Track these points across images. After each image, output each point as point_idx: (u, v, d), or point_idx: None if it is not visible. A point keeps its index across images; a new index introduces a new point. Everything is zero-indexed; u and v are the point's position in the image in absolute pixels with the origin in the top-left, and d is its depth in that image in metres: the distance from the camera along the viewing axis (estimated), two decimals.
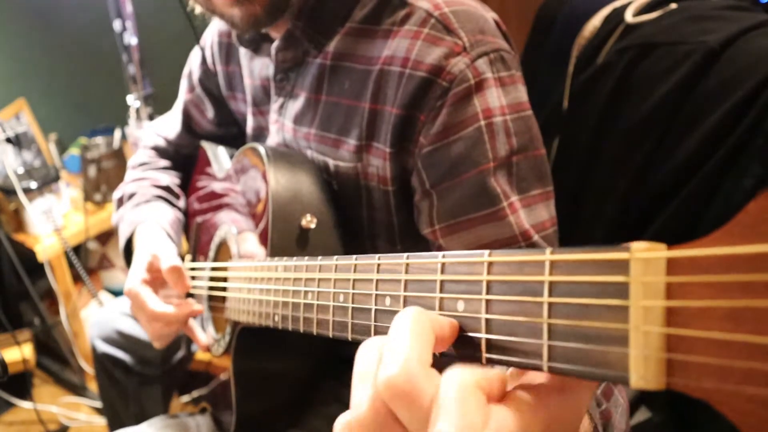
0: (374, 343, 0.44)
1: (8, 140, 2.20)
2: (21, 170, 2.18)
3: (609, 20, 1.46)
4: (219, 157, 1.32)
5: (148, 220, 1.26)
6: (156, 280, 1.14)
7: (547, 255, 0.38)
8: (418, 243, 1.02)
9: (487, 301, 0.42)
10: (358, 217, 1.05)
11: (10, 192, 2.14)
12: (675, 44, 1.26)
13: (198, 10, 1.10)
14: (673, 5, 1.36)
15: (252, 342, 1.03)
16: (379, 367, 0.40)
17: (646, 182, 1.28)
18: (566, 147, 1.48)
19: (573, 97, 1.48)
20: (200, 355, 1.71)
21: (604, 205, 1.38)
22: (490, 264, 0.42)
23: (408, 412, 0.39)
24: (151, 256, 1.14)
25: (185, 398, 2.08)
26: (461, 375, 0.39)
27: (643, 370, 0.32)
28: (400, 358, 0.39)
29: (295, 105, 1.09)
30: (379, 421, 0.40)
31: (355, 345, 1.24)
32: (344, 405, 1.16)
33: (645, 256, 0.32)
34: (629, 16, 1.40)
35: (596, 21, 1.49)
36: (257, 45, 1.16)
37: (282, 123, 1.13)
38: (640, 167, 1.29)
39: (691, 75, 1.21)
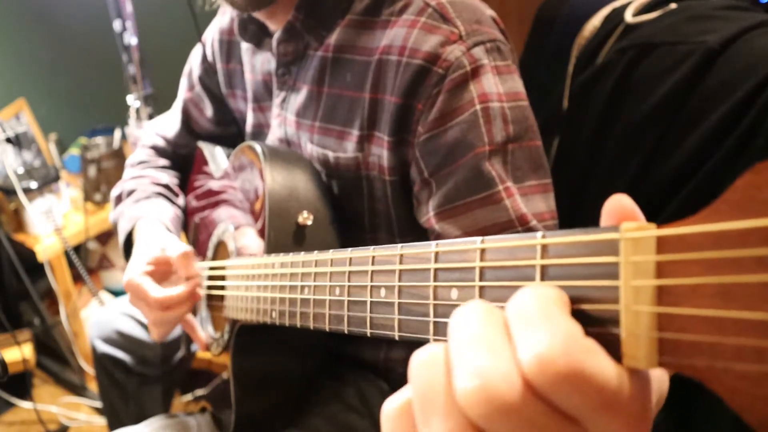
0: (435, 353, 0.36)
1: (8, 140, 2.21)
2: (21, 170, 2.18)
3: (609, 20, 1.46)
4: (216, 157, 1.32)
5: (149, 216, 1.26)
6: (157, 272, 1.14)
7: (539, 239, 0.38)
8: (419, 237, 1.02)
9: (481, 287, 0.42)
10: (359, 209, 1.05)
11: (10, 192, 2.14)
12: (675, 44, 1.26)
13: None
14: (673, 5, 1.36)
15: (251, 340, 1.03)
16: (453, 383, 0.33)
17: (646, 182, 1.28)
18: (566, 147, 1.48)
19: (573, 97, 1.47)
20: (202, 353, 1.71)
21: (604, 205, 1.38)
22: (483, 251, 0.42)
23: (510, 424, 0.32)
24: (159, 250, 1.14)
25: (187, 397, 2.08)
26: (533, 290, 0.34)
27: (634, 350, 0.31)
28: (486, 364, 0.32)
29: (298, 98, 1.10)
30: None
31: (355, 344, 1.23)
32: (344, 404, 1.16)
33: (634, 236, 0.32)
34: (629, 16, 1.40)
35: (596, 21, 1.49)
36: (259, 40, 1.16)
37: (284, 117, 1.13)
38: (640, 167, 1.29)
39: (691, 75, 1.20)
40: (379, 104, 0.97)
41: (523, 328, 0.32)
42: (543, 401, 0.31)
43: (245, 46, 1.23)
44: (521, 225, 0.90)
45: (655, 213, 1.26)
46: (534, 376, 0.30)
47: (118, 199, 1.36)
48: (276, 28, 1.10)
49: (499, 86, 0.92)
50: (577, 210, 1.43)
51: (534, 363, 0.30)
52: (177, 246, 1.13)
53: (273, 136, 1.17)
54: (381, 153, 0.98)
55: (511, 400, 0.31)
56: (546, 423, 0.31)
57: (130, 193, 1.34)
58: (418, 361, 0.36)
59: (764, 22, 1.21)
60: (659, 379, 0.38)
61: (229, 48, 1.28)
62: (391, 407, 0.37)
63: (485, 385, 0.31)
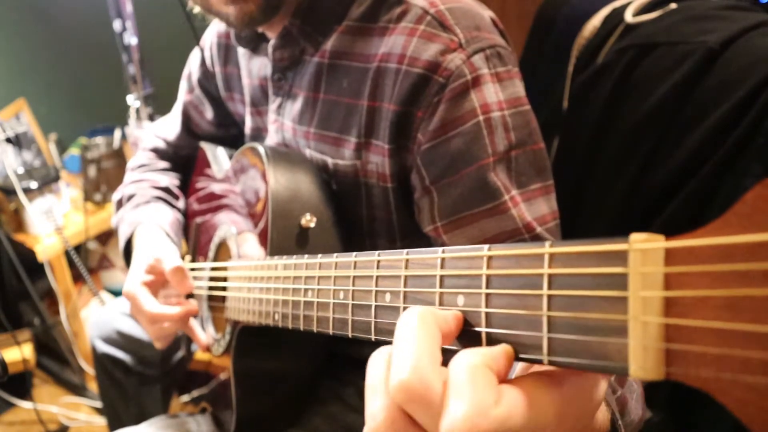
0: (382, 353, 0.44)
1: (8, 140, 2.20)
2: (21, 170, 2.18)
3: (609, 20, 1.46)
4: (218, 158, 1.32)
5: (148, 221, 1.26)
6: (156, 281, 1.14)
7: (547, 248, 0.38)
8: (419, 241, 1.02)
9: (487, 295, 0.42)
10: (358, 216, 1.05)
11: (10, 192, 2.14)
12: (675, 44, 1.26)
13: (196, 9, 1.10)
14: (673, 5, 1.36)
15: (252, 341, 1.03)
16: (389, 373, 0.41)
17: (646, 182, 1.28)
18: (566, 147, 1.48)
19: (573, 97, 1.48)
20: (200, 355, 1.71)
21: (603, 205, 1.38)
22: (490, 258, 0.42)
23: (425, 412, 0.39)
24: (153, 259, 1.14)
25: (185, 398, 2.08)
26: (468, 357, 0.39)
27: (642, 360, 0.32)
28: (410, 361, 0.40)
29: (294, 104, 1.09)
30: (396, 429, 0.41)
31: (355, 344, 1.24)
32: (344, 404, 1.16)
33: (643, 247, 0.32)
34: (629, 16, 1.40)
35: (596, 21, 1.49)
36: (255, 44, 1.16)
37: (281, 122, 1.13)
38: (640, 167, 1.29)
39: (691, 75, 1.21)
40: (376, 112, 0.97)
41: (451, 392, 0.38)
42: None
43: (242, 51, 1.22)
44: (528, 232, 0.91)
45: (656, 212, 1.26)
46: (400, 401, 0.39)
47: (119, 204, 1.36)
48: (272, 33, 1.10)
49: (500, 94, 0.92)
50: (577, 210, 1.43)
51: (395, 390, 0.39)
52: (171, 260, 1.14)
53: (271, 141, 1.17)
54: (380, 161, 0.98)
55: (425, 395, 0.39)
56: None
57: (130, 197, 1.34)
58: (372, 357, 0.45)
59: (764, 22, 1.21)
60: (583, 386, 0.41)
61: (226, 51, 1.28)
62: None
63: (405, 379, 0.39)
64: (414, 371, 0.39)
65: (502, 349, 0.41)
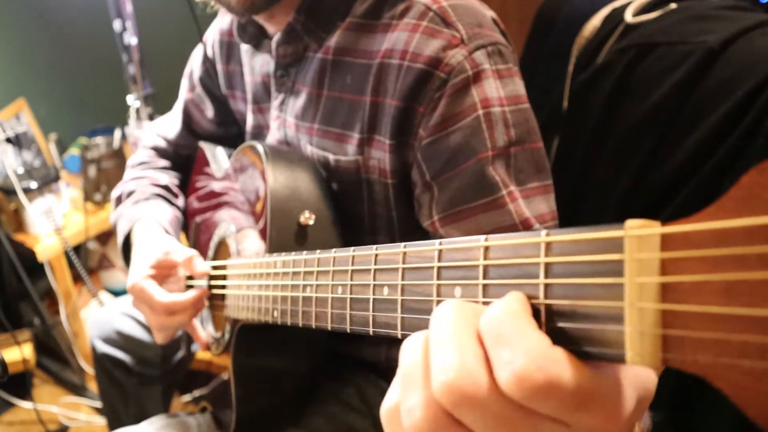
0: (418, 339, 0.41)
1: (8, 140, 2.21)
2: (21, 170, 2.18)
3: (609, 20, 1.46)
4: (217, 157, 1.32)
5: (147, 218, 1.26)
6: (159, 276, 1.14)
7: (543, 237, 0.38)
8: (419, 238, 1.02)
9: (484, 285, 0.42)
10: (359, 212, 1.05)
11: (10, 192, 2.14)
12: (675, 44, 1.26)
13: None
14: (673, 5, 1.36)
15: (251, 340, 1.03)
16: (427, 366, 0.39)
17: (646, 182, 1.28)
18: (566, 147, 1.48)
19: (573, 97, 1.47)
20: (201, 355, 1.71)
21: (603, 205, 1.38)
22: (487, 248, 0.42)
23: (474, 414, 0.37)
24: (162, 253, 1.13)
25: (186, 398, 2.08)
26: (506, 304, 0.37)
27: (639, 347, 0.32)
28: (455, 359, 0.37)
29: (297, 101, 1.10)
30: (438, 427, 0.38)
31: (355, 344, 1.23)
32: (344, 404, 1.16)
33: (639, 233, 0.32)
34: (629, 16, 1.40)
35: (596, 21, 1.49)
36: (258, 41, 1.16)
37: (283, 119, 1.13)
38: (640, 167, 1.29)
39: (691, 75, 1.20)
40: (379, 108, 0.97)
41: (498, 345, 0.36)
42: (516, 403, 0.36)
43: (245, 48, 1.23)
44: (524, 229, 0.91)
45: (655, 213, 1.26)
46: (513, 392, 0.34)
47: (118, 201, 1.36)
48: (274, 30, 1.10)
49: (500, 90, 0.92)
50: (577, 210, 1.43)
51: (511, 380, 0.34)
52: (182, 250, 1.14)
53: (272, 138, 1.17)
54: (382, 156, 0.98)
55: (474, 395, 0.36)
56: (519, 419, 0.36)
57: (130, 194, 1.34)
58: (406, 345, 0.42)
59: (764, 22, 1.21)
60: (638, 374, 0.39)
61: (229, 49, 1.28)
62: (388, 405, 0.42)
63: (453, 380, 0.36)
64: (460, 370, 0.36)
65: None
